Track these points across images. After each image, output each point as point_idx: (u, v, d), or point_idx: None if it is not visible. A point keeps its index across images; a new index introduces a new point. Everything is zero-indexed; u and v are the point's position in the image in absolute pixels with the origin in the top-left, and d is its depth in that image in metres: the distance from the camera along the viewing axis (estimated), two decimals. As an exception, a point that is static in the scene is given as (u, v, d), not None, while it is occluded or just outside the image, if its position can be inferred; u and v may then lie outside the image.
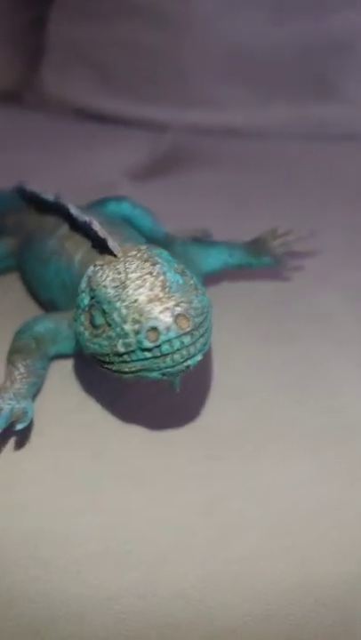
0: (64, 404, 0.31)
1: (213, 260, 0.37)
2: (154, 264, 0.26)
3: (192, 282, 0.27)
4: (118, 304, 0.25)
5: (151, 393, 0.30)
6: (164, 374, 0.25)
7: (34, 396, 0.30)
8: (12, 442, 0.29)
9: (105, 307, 0.26)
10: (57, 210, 0.36)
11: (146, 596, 0.23)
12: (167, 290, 0.25)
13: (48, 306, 0.36)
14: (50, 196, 0.36)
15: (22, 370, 0.30)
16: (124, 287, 0.25)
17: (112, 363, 0.26)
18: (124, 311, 0.25)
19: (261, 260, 0.39)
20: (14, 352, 0.31)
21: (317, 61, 0.67)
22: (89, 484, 0.27)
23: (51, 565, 0.24)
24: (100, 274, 0.26)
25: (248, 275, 0.41)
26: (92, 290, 0.26)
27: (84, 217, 0.31)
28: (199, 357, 0.25)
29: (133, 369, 0.25)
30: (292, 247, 0.39)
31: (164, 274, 0.26)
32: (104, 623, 0.23)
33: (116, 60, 0.75)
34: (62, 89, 0.79)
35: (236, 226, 0.45)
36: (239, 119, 0.71)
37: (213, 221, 0.48)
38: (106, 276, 0.26)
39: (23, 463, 0.28)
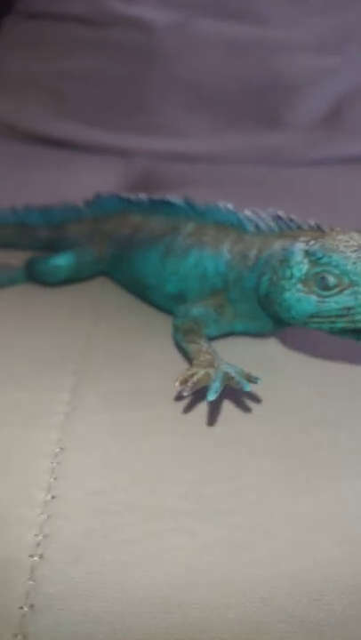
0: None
1: None
2: None
3: None
4: None
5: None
6: None
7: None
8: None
9: (348, 267, 0.30)
10: (176, 210, 0.40)
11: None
12: None
13: (173, 299, 0.39)
14: (175, 199, 0.40)
15: (206, 345, 0.33)
16: None
17: (354, 314, 0.31)
18: None
19: None
20: (188, 333, 0.34)
21: (267, 95, 0.76)
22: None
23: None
24: (327, 244, 0.31)
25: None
26: (320, 257, 0.31)
27: (247, 211, 0.36)
28: None
29: None
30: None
31: None
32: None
33: (72, 88, 0.78)
34: (12, 114, 0.80)
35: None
36: (198, 147, 0.78)
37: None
38: (335, 245, 0.31)
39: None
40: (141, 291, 0.41)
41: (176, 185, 0.73)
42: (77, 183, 0.71)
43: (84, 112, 0.78)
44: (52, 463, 0.28)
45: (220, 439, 0.30)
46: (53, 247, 0.48)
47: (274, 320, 0.36)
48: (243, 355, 0.37)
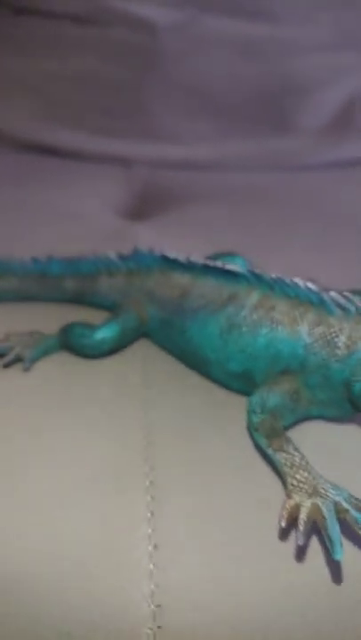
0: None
1: None
2: None
3: None
4: None
5: None
6: None
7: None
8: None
9: None
10: (236, 278, 0.35)
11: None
12: None
13: (235, 377, 0.35)
14: (237, 267, 0.35)
15: (297, 454, 0.29)
16: None
17: None
18: None
19: None
20: (271, 436, 0.30)
21: (277, 98, 0.71)
22: None
23: None
24: None
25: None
26: None
27: (333, 293, 0.31)
28: None
29: None
30: None
31: None
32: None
33: (65, 91, 0.72)
34: (2, 120, 0.74)
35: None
36: (203, 154, 0.72)
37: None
38: None
39: None
40: (196, 364, 0.37)
41: (181, 196, 0.67)
42: (76, 195, 0.65)
43: (78, 118, 0.72)
44: (150, 630, 0.24)
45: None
46: (81, 300, 0.43)
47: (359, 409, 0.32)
48: (322, 443, 0.33)
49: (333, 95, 0.71)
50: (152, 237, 0.57)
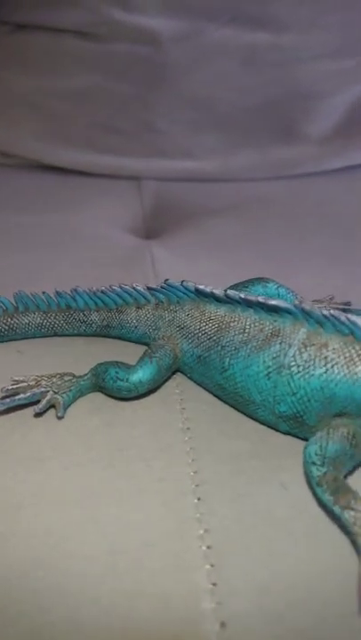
0: None
1: None
2: None
3: None
4: None
5: None
6: None
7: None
8: None
9: None
10: (283, 312, 0.31)
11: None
12: None
13: (285, 420, 0.31)
14: (278, 300, 0.31)
15: (366, 511, 0.25)
16: None
17: None
18: None
19: None
20: (338, 492, 0.26)
21: (283, 106, 0.66)
22: None
23: None
24: None
25: None
26: None
27: None
28: None
29: None
30: None
31: None
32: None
33: (70, 108, 0.67)
34: (1, 139, 0.69)
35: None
36: (211, 166, 0.68)
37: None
38: None
39: None
40: (239, 404, 0.33)
41: (193, 210, 0.63)
42: (88, 215, 0.61)
43: (83, 136, 0.68)
44: None
45: None
46: (108, 333, 0.39)
47: None
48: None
49: (339, 101, 0.67)
50: (167, 258, 0.53)
